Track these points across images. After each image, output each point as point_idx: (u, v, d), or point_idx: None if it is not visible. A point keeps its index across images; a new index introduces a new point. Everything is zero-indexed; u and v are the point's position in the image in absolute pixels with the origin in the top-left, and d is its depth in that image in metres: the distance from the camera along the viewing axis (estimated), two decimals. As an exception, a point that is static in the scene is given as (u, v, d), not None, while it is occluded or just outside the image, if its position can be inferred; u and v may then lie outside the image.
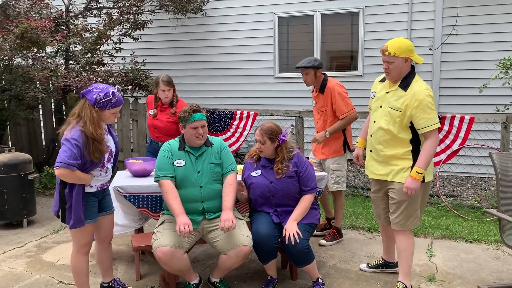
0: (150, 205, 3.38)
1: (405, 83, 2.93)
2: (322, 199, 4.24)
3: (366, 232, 4.47)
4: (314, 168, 3.54)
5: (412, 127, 2.92)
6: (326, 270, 3.56)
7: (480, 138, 6.25)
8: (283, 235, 3.01)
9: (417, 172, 2.86)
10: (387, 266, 3.48)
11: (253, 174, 3.25)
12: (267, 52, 7.57)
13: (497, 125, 5.62)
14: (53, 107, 6.98)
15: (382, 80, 3.12)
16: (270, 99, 7.54)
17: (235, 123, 5.91)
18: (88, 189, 2.74)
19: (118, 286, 3.17)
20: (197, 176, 3.03)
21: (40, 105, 6.92)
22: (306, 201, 3.18)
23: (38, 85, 6.06)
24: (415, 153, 2.95)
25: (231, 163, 3.14)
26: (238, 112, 5.85)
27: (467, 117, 4.86)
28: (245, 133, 5.86)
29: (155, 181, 3.04)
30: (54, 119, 7.04)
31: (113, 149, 2.87)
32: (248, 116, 5.83)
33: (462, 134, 4.89)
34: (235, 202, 3.17)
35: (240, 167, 3.52)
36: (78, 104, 2.71)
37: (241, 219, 3.13)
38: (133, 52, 7.23)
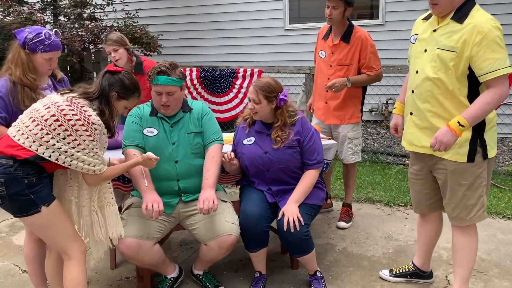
0: (122, 176, 2.78)
1: (460, 14, 2.07)
2: (326, 174, 3.43)
3: (384, 206, 3.86)
4: (321, 135, 2.90)
5: (471, 77, 2.08)
6: (334, 256, 2.99)
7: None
8: (279, 218, 2.43)
9: (458, 123, 2.03)
10: (418, 275, 2.66)
11: (245, 142, 2.62)
12: (276, 0, 6.73)
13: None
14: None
15: (427, 18, 2.26)
16: (279, 55, 6.80)
17: (238, 82, 5.25)
18: None
19: None
20: (171, 148, 2.45)
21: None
22: (310, 177, 2.56)
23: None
24: None
25: (215, 132, 2.54)
26: (241, 70, 5.19)
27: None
28: (250, 93, 5.23)
29: (122, 152, 2.48)
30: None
31: None
32: (252, 74, 5.16)
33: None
34: (222, 172, 2.60)
35: (227, 135, 2.91)
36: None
37: (226, 202, 2.55)
38: (127, 6, 6.53)
